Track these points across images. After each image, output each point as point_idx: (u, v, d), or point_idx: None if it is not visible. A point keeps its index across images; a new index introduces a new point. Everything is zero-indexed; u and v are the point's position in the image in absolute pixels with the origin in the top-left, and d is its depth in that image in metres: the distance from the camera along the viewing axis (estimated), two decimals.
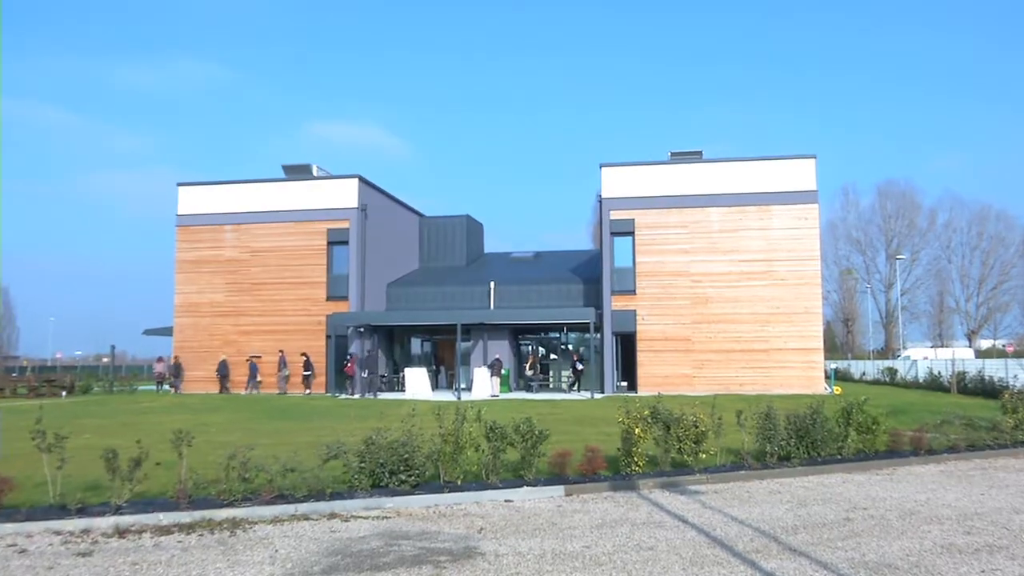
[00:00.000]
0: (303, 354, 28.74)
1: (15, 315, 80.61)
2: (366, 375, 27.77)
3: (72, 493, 8.45)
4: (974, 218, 65.29)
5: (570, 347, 32.88)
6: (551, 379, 31.19)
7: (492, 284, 31.15)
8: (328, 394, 27.82)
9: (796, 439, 11.10)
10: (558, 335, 32.42)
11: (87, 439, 13.79)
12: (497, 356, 28.37)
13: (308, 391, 28.39)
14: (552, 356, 32.56)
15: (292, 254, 30.02)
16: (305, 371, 28.64)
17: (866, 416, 11.64)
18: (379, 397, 26.30)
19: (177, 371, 29.72)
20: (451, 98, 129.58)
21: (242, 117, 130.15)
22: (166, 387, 30.44)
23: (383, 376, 30.69)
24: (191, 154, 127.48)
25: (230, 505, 8.26)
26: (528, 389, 29.16)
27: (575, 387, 28.30)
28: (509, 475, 9.80)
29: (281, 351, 29.14)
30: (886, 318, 66.25)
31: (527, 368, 28.92)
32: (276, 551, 6.89)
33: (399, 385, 30.54)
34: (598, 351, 28.14)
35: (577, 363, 28.55)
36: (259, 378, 29.10)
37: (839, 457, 11.36)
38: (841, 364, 45.40)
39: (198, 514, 7.99)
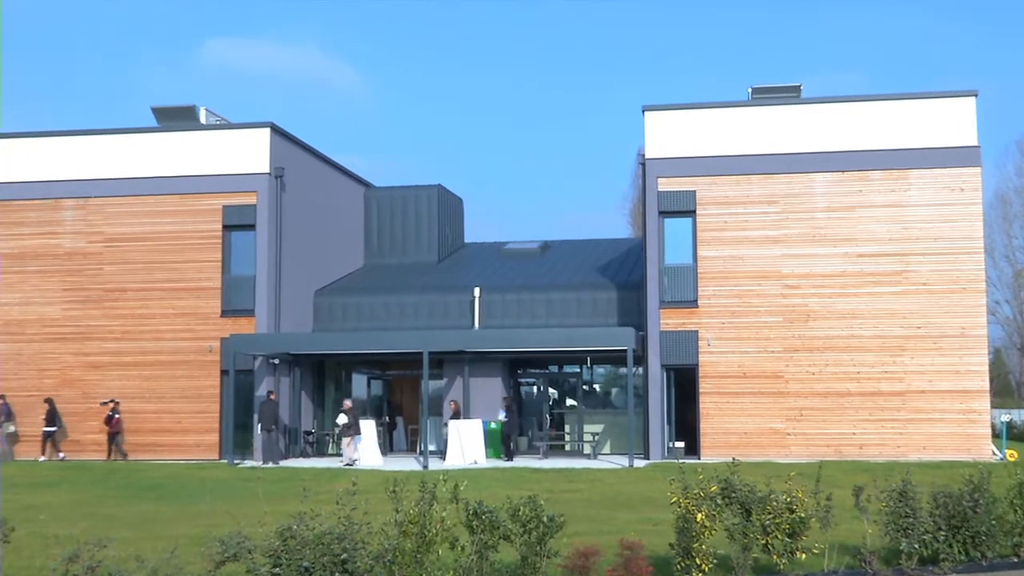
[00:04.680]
0: (47, 400, 28.99)
1: None
2: (260, 432, 27.87)
3: None
4: None
5: (597, 387, 32.89)
6: (567, 437, 31.23)
7: (477, 291, 31.19)
8: (223, 461, 27.87)
9: (947, 531, 11.15)
10: (579, 369, 32.41)
11: None
12: (452, 400, 28.66)
13: (60, 455, 28.80)
14: (570, 402, 32.60)
15: (168, 245, 29.98)
16: (48, 426, 28.80)
17: None
18: (284, 465, 26.51)
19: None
20: (428, 6, 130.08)
21: (104, 30, 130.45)
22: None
23: (308, 433, 30.66)
24: (20, 90, 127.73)
25: None
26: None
27: (512, 452, 27.98)
28: None
29: (2, 396, 29.15)
30: None
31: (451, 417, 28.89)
32: None
33: (333, 446, 30.45)
34: (639, 394, 28.11)
35: (502, 412, 28.35)
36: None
37: (1015, 560, 11.40)
38: (1017, 415, 45.48)
39: None
